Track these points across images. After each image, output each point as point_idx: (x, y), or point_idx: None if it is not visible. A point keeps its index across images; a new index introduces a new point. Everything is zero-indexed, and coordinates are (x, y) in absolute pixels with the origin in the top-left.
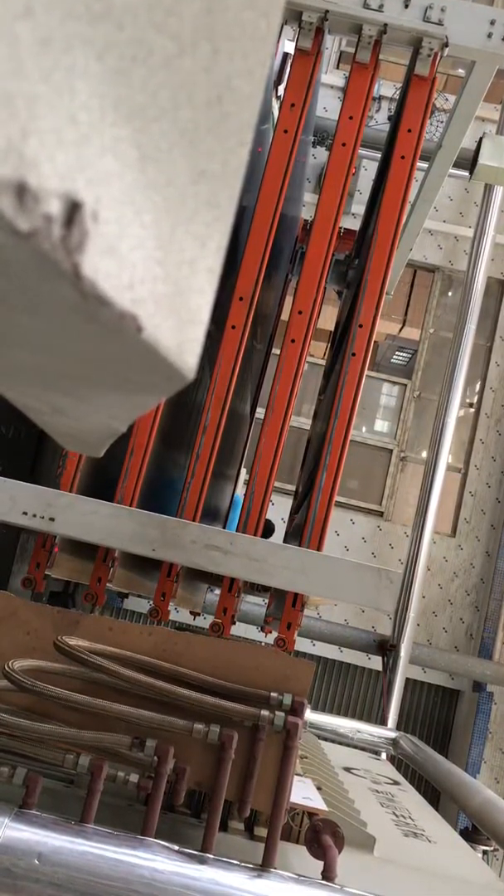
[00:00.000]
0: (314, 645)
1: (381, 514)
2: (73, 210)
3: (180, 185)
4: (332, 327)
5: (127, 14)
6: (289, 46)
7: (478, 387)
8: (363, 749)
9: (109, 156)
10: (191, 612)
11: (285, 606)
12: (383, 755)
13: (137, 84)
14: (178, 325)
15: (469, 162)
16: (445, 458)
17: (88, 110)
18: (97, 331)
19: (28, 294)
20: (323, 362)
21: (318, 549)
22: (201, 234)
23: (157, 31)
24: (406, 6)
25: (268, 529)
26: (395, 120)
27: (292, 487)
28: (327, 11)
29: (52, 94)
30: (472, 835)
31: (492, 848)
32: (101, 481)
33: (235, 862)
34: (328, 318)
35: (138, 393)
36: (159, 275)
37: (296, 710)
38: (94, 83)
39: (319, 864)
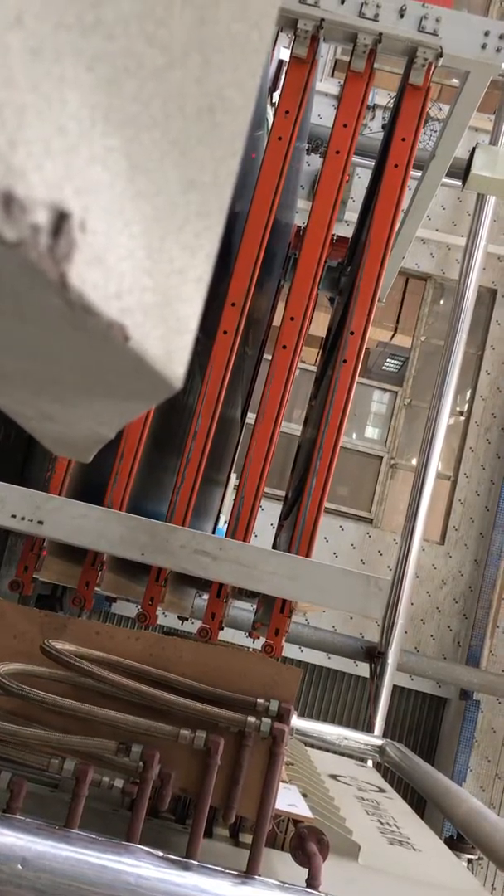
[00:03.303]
0: (302, 651)
1: (370, 520)
2: (60, 220)
3: (170, 195)
4: (323, 333)
5: (118, 25)
6: (284, 54)
7: (468, 395)
8: (349, 756)
9: (98, 166)
10: (179, 617)
11: (273, 612)
12: (369, 762)
13: (128, 94)
14: (166, 335)
15: (462, 171)
16: (435, 465)
17: (78, 120)
18: (85, 339)
19: (15, 302)
20: (314, 368)
21: (307, 555)
22: (191, 244)
23: (147, 42)
24: (401, 16)
25: None
26: (389, 129)
27: (282, 493)
28: (323, 20)
29: (42, 103)
30: (457, 843)
31: (476, 857)
32: (91, 485)
33: (220, 868)
34: (320, 325)
35: (126, 400)
36: (148, 284)
37: (282, 716)
38: (84, 93)
39: (304, 872)
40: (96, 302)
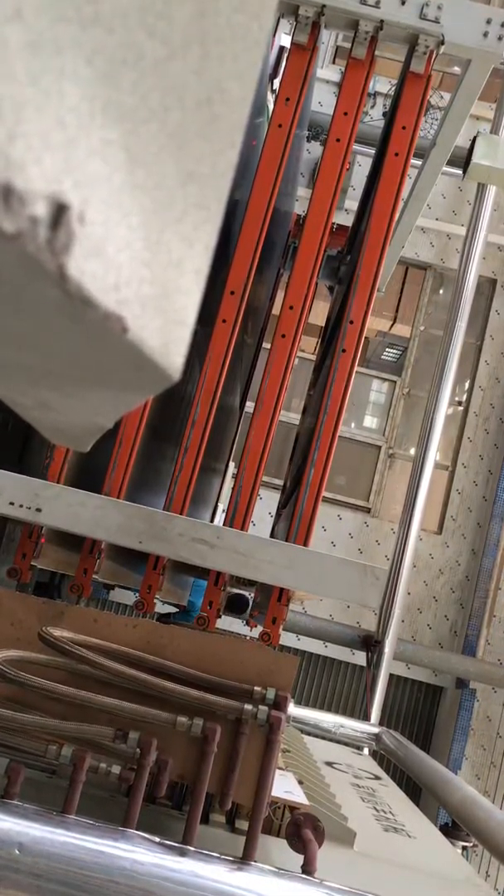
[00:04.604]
0: (299, 639)
1: (368, 510)
2: (59, 212)
3: (169, 188)
4: (323, 323)
5: (117, 18)
6: (285, 40)
7: (467, 385)
8: (346, 744)
9: (97, 158)
10: (176, 605)
11: (271, 601)
12: (365, 750)
13: (127, 87)
14: (164, 326)
15: (463, 160)
16: (433, 455)
17: (77, 113)
18: (82, 331)
19: (14, 294)
20: (313, 357)
21: (305, 544)
22: (189, 236)
23: (147, 34)
24: (403, 3)
25: (241, 604)
26: (390, 117)
27: (280, 482)
28: (324, 6)
29: (41, 96)
30: (452, 831)
31: (471, 844)
32: (89, 473)
33: (216, 854)
34: (319, 314)
35: (124, 391)
36: (146, 276)
37: (279, 704)
38: (84, 86)
39: (300, 858)
40: (95, 293)
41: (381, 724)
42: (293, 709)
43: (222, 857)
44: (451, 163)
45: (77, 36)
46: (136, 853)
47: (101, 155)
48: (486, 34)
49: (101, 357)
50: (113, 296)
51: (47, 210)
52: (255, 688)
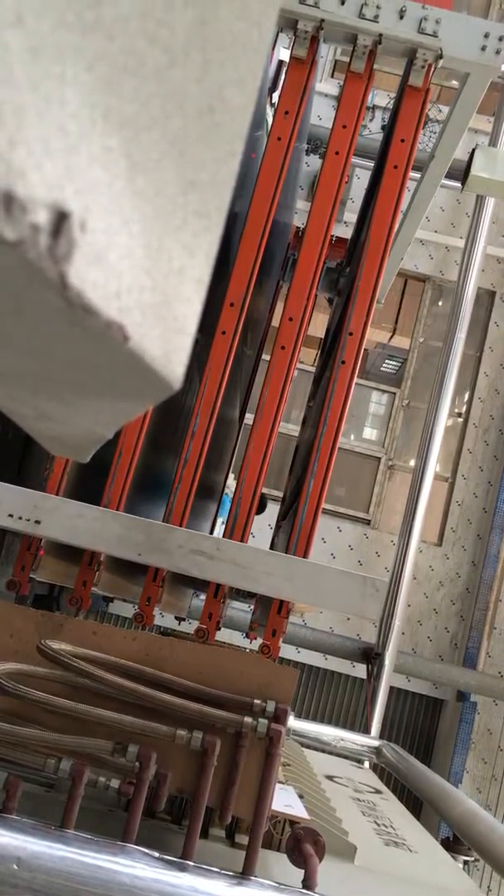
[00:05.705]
0: (299, 652)
1: (367, 521)
2: (60, 220)
3: (170, 195)
4: (322, 334)
5: (118, 24)
6: (284, 54)
7: (466, 396)
8: (346, 757)
9: (98, 165)
10: (176, 617)
11: (270, 613)
12: (366, 764)
13: (128, 94)
14: (164, 335)
15: (461, 173)
16: (433, 466)
17: (78, 120)
18: (83, 338)
19: (15, 301)
20: (313, 369)
21: (305, 556)
22: (190, 244)
23: (148, 41)
24: (401, 17)
25: (261, 505)
26: (389, 130)
27: (280, 494)
28: (323, 20)
29: (42, 103)
30: (453, 844)
31: (472, 858)
32: (89, 484)
33: (216, 869)
34: (318, 325)
35: (124, 400)
36: (147, 284)
37: (279, 717)
38: (85, 93)
39: (300, 873)
40: (96, 301)
41: (381, 737)
42: (293, 722)
43: (222, 871)
44: (449, 175)
45: (78, 42)
46: (136, 868)
47: (101, 162)
48: (484, 48)
49: (102, 365)
50: (114, 304)
51: (48, 218)
52: (255, 700)
